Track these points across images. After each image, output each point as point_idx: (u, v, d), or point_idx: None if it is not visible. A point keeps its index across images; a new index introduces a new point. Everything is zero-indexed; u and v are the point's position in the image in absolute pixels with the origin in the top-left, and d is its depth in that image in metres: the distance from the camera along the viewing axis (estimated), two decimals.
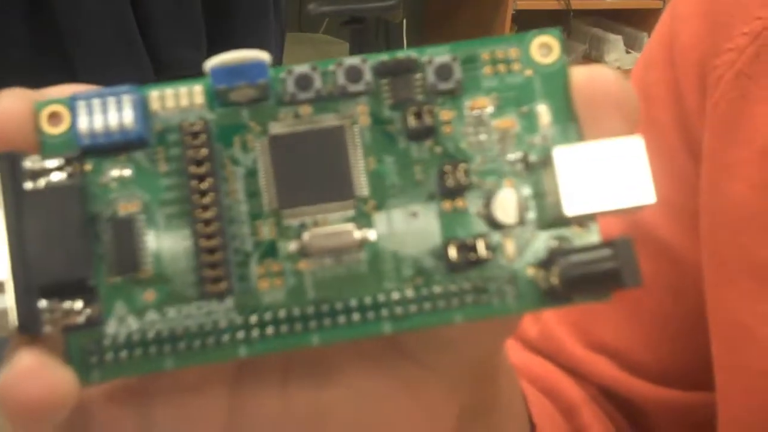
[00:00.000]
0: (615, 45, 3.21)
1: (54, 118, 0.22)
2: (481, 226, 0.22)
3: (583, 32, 3.47)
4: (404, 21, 3.10)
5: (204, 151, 0.21)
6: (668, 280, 0.47)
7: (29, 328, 0.20)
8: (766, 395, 0.39)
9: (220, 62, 0.21)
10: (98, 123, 0.21)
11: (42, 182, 0.21)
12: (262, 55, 0.21)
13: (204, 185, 0.21)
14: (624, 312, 0.48)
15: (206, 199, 0.21)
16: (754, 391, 0.40)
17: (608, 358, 0.49)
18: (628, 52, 3.21)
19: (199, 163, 0.21)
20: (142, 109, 0.21)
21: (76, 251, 0.21)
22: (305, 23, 3.28)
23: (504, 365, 0.33)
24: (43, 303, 0.21)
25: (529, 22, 3.64)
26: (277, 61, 1.99)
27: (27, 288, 0.20)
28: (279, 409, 0.26)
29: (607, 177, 0.21)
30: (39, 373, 0.20)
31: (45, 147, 0.22)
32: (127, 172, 0.22)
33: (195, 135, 0.21)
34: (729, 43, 0.41)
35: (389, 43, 3.10)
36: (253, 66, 0.21)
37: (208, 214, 0.21)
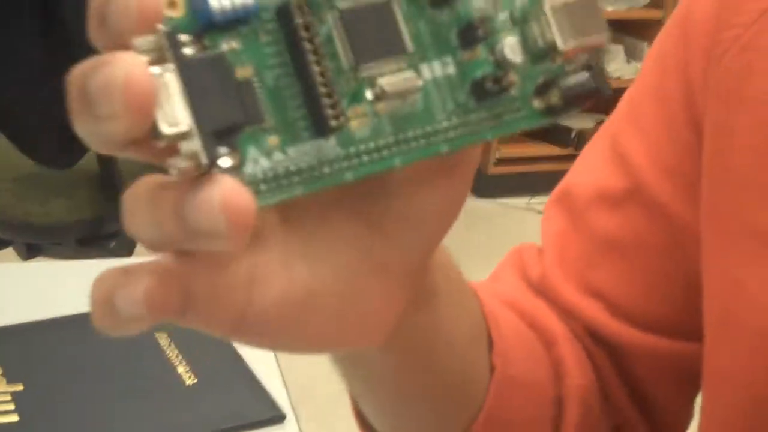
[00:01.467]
0: (616, 55, 3.18)
1: (170, 4, 0.26)
2: (494, 67, 0.30)
3: None
4: None
5: (309, 18, 0.27)
6: (664, 238, 0.51)
7: (213, 164, 0.25)
8: (756, 352, 0.43)
9: None
10: (227, 1, 0.26)
11: (189, 51, 0.26)
12: None
13: (315, 44, 0.27)
14: (620, 264, 0.52)
15: (318, 55, 0.27)
16: (743, 348, 0.44)
17: (600, 303, 0.52)
18: (628, 62, 3.19)
19: (307, 27, 0.27)
20: None
21: (231, 102, 0.26)
22: None
23: (443, 262, 0.40)
24: (223, 146, 0.25)
25: None
26: None
27: (208, 133, 0.25)
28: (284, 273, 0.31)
29: (581, 21, 0.30)
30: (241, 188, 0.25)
31: (169, 26, 0.26)
32: (236, 45, 0.27)
33: (300, 7, 0.27)
34: (736, 18, 0.45)
35: None
36: None
37: (322, 66, 0.27)
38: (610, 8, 3.31)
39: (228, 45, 0.27)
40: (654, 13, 3.20)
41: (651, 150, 0.51)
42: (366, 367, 0.41)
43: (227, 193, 0.24)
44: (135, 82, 0.24)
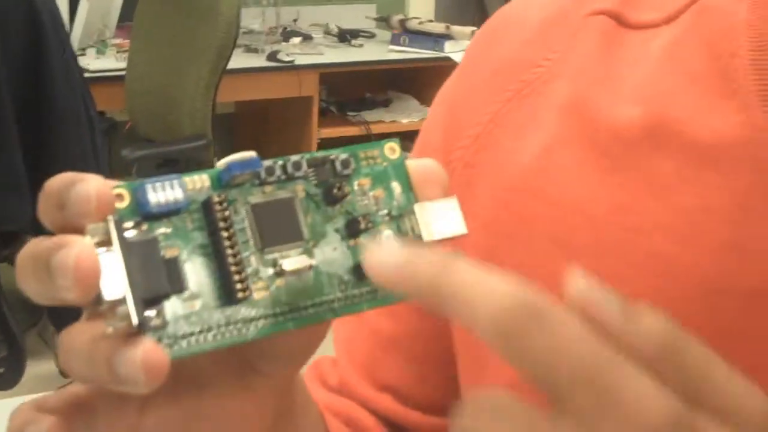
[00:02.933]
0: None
1: (119, 197, 0.34)
2: None
3: None
4: (215, 159, 3.10)
5: (227, 212, 0.35)
6: (431, 328, 0.60)
7: (143, 327, 0.32)
8: None
9: (236, 158, 0.35)
10: (162, 197, 0.34)
11: (130, 234, 0.33)
12: (254, 154, 0.35)
13: (230, 232, 0.35)
14: (400, 358, 0.62)
15: (232, 241, 0.35)
16: None
17: (390, 395, 0.62)
18: None
19: (225, 219, 0.35)
20: (184, 188, 0.34)
21: (160, 276, 0.33)
22: (116, 168, 3.18)
23: (300, 382, 0.47)
24: (151, 311, 0.33)
25: (334, 147, 3.80)
26: None
27: (138, 301, 0.32)
28: (174, 411, 0.39)
29: (443, 218, 0.38)
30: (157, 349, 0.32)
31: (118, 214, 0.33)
32: (168, 230, 0.34)
33: (221, 203, 0.35)
34: (458, 143, 0.57)
35: None
36: (254, 160, 0.35)
37: (234, 250, 0.35)
38: (405, 120, 3.72)
39: (161, 230, 0.34)
40: None
41: None
42: None
43: (147, 354, 0.32)
44: (84, 265, 0.31)
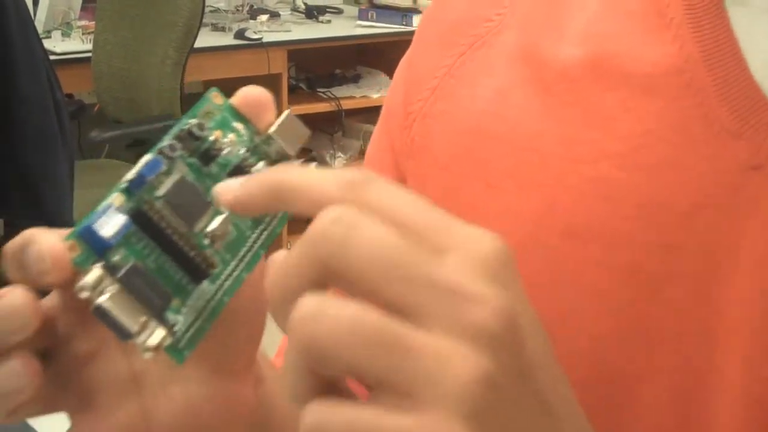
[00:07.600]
0: None
1: (72, 248, 0.38)
2: None
3: (356, 129, 3.76)
4: None
5: (159, 212, 0.41)
6: None
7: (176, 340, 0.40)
8: None
9: (141, 165, 0.40)
10: (112, 228, 0.39)
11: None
12: (151, 155, 0.41)
13: (168, 224, 0.41)
14: None
15: (172, 228, 0.41)
16: None
17: None
18: None
19: (161, 217, 0.40)
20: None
21: (157, 296, 0.40)
22: (86, 150, 3.17)
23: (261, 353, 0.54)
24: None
25: (305, 124, 3.80)
26: (68, 190, 2.00)
27: (165, 322, 0.39)
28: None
29: (293, 130, 0.45)
30: None
31: (75, 264, 0.38)
32: (126, 251, 0.39)
33: (149, 206, 0.40)
34: (417, 95, 0.61)
35: None
36: (154, 160, 0.41)
37: (178, 235, 0.41)
38: (375, 95, 3.72)
39: (119, 256, 0.39)
40: None
41: None
42: None
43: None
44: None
